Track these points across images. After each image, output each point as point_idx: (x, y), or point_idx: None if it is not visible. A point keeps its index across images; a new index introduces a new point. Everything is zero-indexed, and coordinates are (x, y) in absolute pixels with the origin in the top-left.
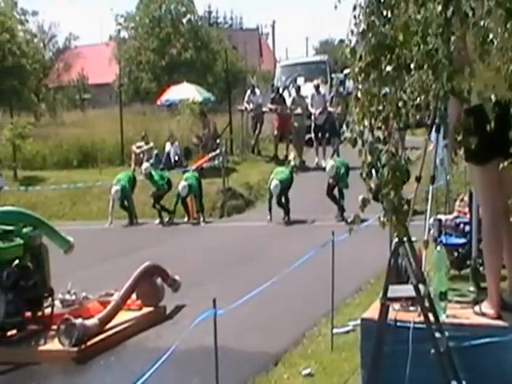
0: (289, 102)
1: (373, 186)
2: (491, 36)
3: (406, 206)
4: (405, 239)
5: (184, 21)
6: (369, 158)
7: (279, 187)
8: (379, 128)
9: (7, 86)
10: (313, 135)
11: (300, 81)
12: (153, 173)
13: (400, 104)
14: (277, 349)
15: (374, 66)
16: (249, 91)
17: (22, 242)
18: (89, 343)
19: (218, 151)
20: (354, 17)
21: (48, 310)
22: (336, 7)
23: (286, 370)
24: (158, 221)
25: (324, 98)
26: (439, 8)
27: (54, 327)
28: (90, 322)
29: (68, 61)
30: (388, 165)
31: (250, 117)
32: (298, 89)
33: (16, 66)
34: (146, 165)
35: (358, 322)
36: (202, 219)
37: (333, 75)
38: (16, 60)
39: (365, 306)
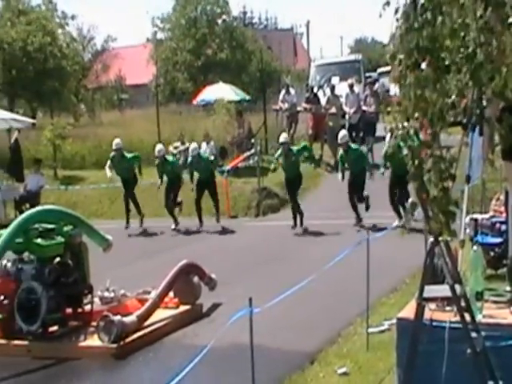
0: (323, 101)
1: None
2: None
3: (453, 208)
4: (440, 239)
5: (219, 21)
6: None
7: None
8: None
9: (48, 88)
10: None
11: (334, 80)
12: (171, 159)
13: (444, 107)
14: (312, 347)
15: (412, 69)
16: (283, 91)
17: (62, 240)
18: (127, 340)
19: (252, 151)
20: (397, 20)
21: (88, 307)
22: (381, 15)
23: (322, 369)
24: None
25: (358, 97)
26: (479, 12)
27: (94, 324)
28: (128, 319)
29: (106, 62)
30: (434, 168)
31: (284, 116)
32: (333, 88)
33: (56, 67)
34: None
35: (394, 321)
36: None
37: (367, 74)
38: (57, 62)
39: (400, 305)
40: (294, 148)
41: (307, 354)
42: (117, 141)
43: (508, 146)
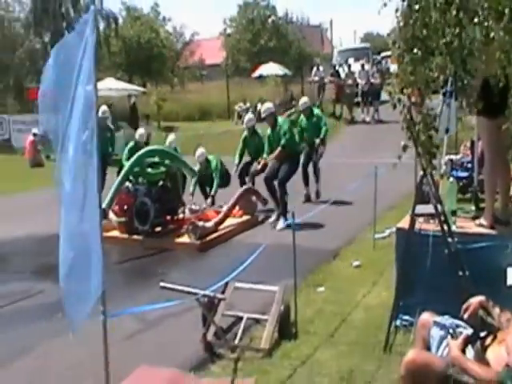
0: (343, 75)
1: None
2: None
3: (435, 150)
4: (428, 172)
5: (269, 20)
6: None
7: None
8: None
9: (154, 67)
10: (360, 99)
11: (351, 61)
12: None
13: (429, 79)
14: (334, 247)
15: (407, 51)
16: (315, 68)
17: (164, 169)
18: (208, 238)
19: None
20: (396, 17)
21: (181, 215)
22: (379, 12)
23: (342, 262)
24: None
25: (367, 73)
26: (454, 12)
27: (185, 227)
28: (208, 224)
29: (192, 49)
30: (423, 121)
31: (315, 86)
32: (349, 66)
33: (159, 54)
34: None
35: (393, 229)
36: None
37: (373, 57)
38: (159, 50)
39: (397, 219)
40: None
41: (331, 251)
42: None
43: (481, 107)
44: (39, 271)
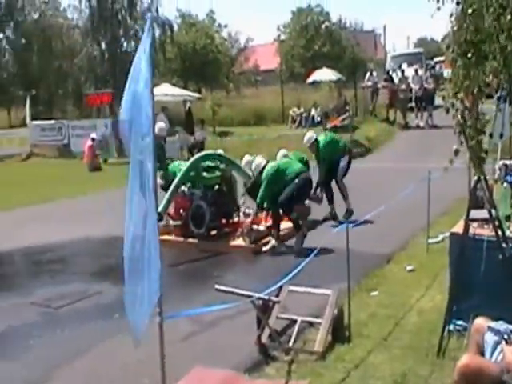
0: (396, 80)
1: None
2: None
3: (484, 155)
4: (482, 177)
5: (323, 26)
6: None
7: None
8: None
9: (209, 73)
10: (413, 104)
11: (404, 66)
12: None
13: (482, 84)
14: (388, 251)
15: (461, 55)
16: (368, 73)
17: (219, 174)
18: (262, 241)
19: (347, 114)
20: (451, 21)
21: (236, 219)
22: (432, 16)
23: (395, 266)
24: None
25: (421, 78)
26: (508, 17)
27: (240, 230)
28: (262, 228)
29: (247, 55)
30: (473, 125)
31: (369, 91)
32: (403, 71)
33: (214, 60)
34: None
35: (447, 234)
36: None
37: (427, 62)
38: (214, 56)
39: (450, 224)
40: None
41: (384, 255)
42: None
43: None
44: (97, 273)
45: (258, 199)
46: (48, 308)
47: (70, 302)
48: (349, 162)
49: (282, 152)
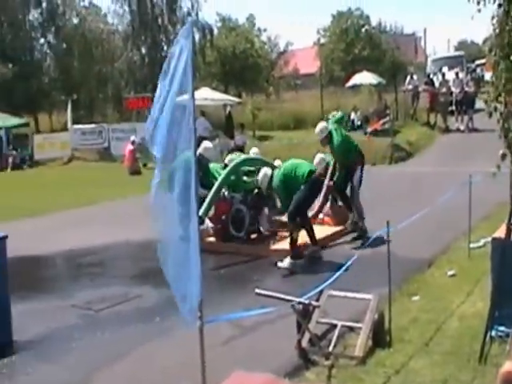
0: (437, 84)
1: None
2: None
3: None
4: None
5: (363, 30)
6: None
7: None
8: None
9: (249, 77)
10: (454, 107)
11: (444, 69)
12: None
13: None
14: (429, 256)
15: (503, 58)
16: (409, 77)
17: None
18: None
19: (387, 118)
20: (492, 24)
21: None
22: (472, 18)
23: (436, 271)
24: None
25: (462, 81)
26: None
27: (279, 234)
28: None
29: (286, 59)
30: None
31: (409, 94)
32: (443, 75)
33: (254, 64)
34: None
35: (488, 239)
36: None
37: (467, 65)
38: (254, 60)
39: (492, 228)
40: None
41: (425, 260)
42: None
43: None
44: (137, 276)
45: (284, 209)
46: (89, 311)
47: (111, 305)
48: (362, 170)
49: (319, 156)
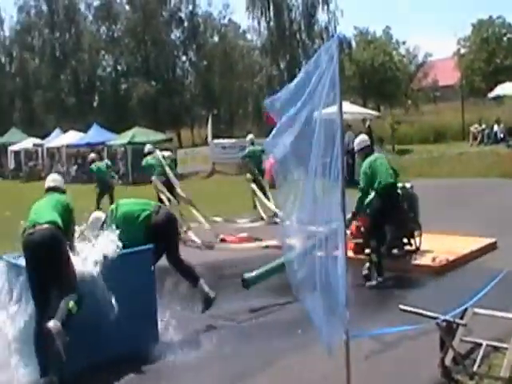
0: None
1: None
2: None
3: None
4: None
5: (504, 38)
6: None
7: None
8: None
9: (387, 90)
10: None
11: None
12: None
13: None
14: None
15: None
16: None
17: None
18: (446, 262)
19: None
20: None
21: (417, 239)
22: None
23: None
24: None
25: None
26: None
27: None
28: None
29: (425, 71)
30: None
31: None
32: None
33: (393, 77)
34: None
35: None
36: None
37: None
38: (393, 73)
39: None
40: None
41: None
42: None
43: None
44: (278, 288)
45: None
46: (232, 322)
47: (253, 317)
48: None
49: None
